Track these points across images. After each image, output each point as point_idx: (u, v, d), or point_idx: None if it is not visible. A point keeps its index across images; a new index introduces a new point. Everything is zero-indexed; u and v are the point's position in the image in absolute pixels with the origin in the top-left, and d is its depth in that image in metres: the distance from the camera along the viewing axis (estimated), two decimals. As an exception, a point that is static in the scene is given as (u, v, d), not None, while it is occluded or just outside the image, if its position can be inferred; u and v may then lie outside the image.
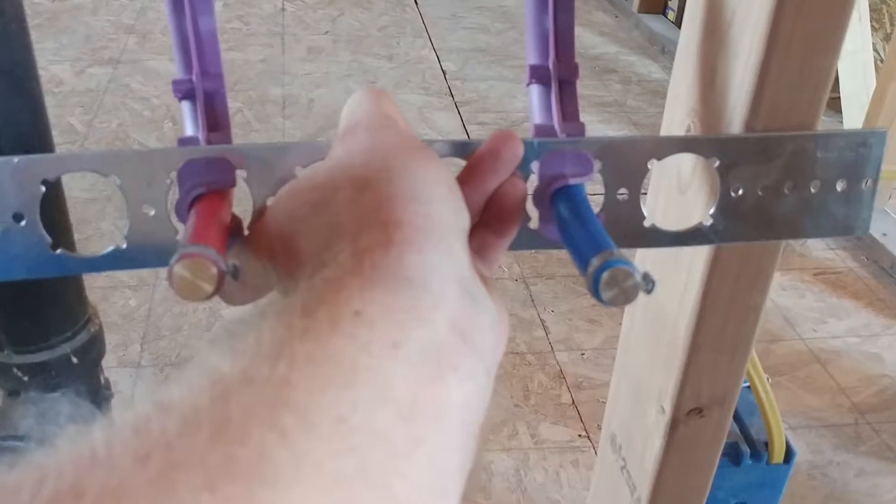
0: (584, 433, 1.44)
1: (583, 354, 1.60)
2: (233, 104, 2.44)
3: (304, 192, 0.36)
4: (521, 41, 3.05)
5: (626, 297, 0.33)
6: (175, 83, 0.45)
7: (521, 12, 3.32)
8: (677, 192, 0.51)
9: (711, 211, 0.45)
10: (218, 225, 0.38)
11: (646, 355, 0.56)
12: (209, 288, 0.31)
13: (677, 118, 0.51)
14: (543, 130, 0.45)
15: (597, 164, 0.43)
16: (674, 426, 0.54)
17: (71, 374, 0.48)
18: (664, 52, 3.00)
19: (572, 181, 0.42)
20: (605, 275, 0.33)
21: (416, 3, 3.38)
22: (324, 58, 2.81)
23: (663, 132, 0.53)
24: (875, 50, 2.38)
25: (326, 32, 3.03)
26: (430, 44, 2.98)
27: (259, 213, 0.42)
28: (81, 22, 2.98)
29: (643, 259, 0.56)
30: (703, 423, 0.54)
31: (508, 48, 2.99)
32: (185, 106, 0.46)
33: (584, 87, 2.69)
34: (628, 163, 0.43)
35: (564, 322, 1.68)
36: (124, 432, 0.21)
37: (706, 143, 0.44)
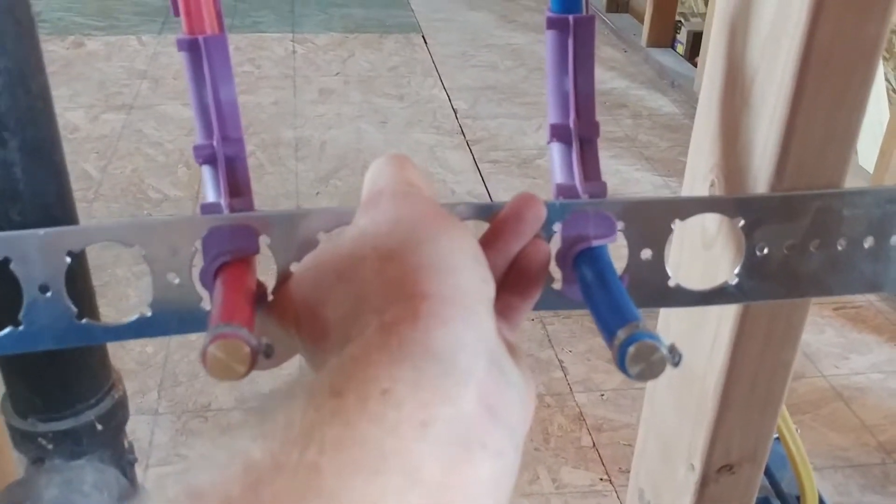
0: (605, 476, 1.42)
1: (602, 395, 1.59)
2: (246, 147, 2.46)
3: (329, 260, 0.36)
4: (530, 78, 3.07)
5: (653, 371, 0.33)
6: (196, 148, 0.46)
7: (530, 49, 3.35)
8: (702, 248, 0.50)
9: (737, 270, 0.45)
10: (245, 296, 0.38)
11: (673, 411, 0.56)
12: (242, 369, 0.31)
13: (700, 172, 0.50)
14: (565, 190, 0.45)
15: (620, 225, 0.43)
16: (704, 483, 0.53)
17: (95, 440, 0.47)
18: (674, 85, 3.01)
19: (595, 243, 0.42)
20: (631, 349, 0.33)
21: (425, 42, 3.42)
22: (335, 99, 2.83)
23: (686, 185, 0.53)
24: (887, 80, 2.38)
25: (337, 74, 3.05)
26: (440, 83, 3.00)
27: (283, 279, 0.41)
28: (95, 69, 3.02)
29: (669, 313, 0.56)
30: (734, 479, 0.53)
31: (518, 85, 3.01)
32: (206, 171, 0.46)
33: (595, 123, 2.69)
34: (652, 223, 0.43)
35: (583, 362, 1.67)
36: None
37: (730, 203, 0.43)
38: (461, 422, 0.27)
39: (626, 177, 2.34)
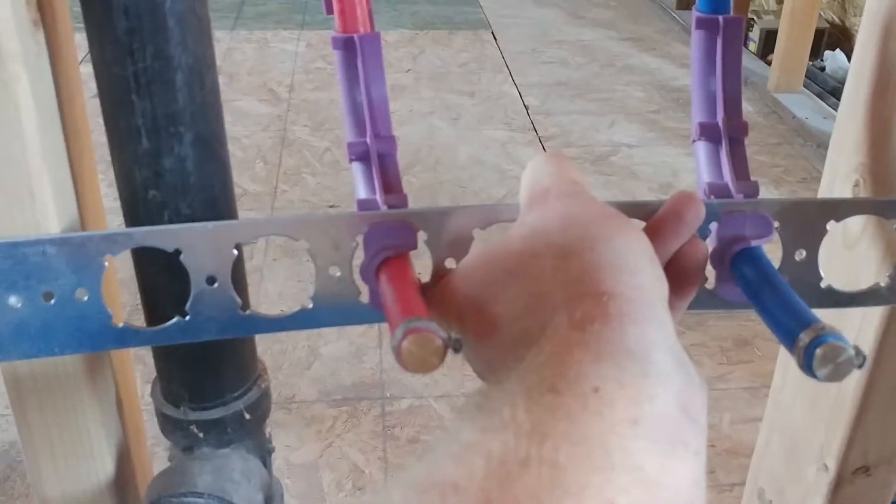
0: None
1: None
2: (321, 143, 2.49)
3: (497, 258, 0.37)
4: (602, 75, 3.05)
5: (840, 373, 0.33)
6: (349, 146, 0.47)
7: (600, 45, 3.33)
8: (843, 247, 0.50)
9: (889, 272, 0.44)
10: (416, 289, 0.39)
11: (804, 411, 0.55)
12: (437, 361, 0.32)
13: (842, 171, 0.50)
14: (716, 189, 0.45)
15: (775, 225, 0.43)
16: (838, 485, 0.53)
17: (242, 430, 0.49)
18: (747, 83, 2.96)
19: (753, 243, 0.42)
20: (818, 351, 0.33)
21: (494, 38, 3.41)
22: (407, 95, 2.85)
23: (825, 183, 0.52)
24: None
25: (408, 70, 3.07)
26: (510, 79, 3.00)
27: (438, 275, 0.42)
28: (173, 64, 3.08)
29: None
30: (870, 482, 0.53)
31: (590, 82, 2.99)
32: (357, 167, 0.47)
33: (670, 120, 2.67)
34: (807, 224, 0.43)
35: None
36: None
37: (891, 206, 0.43)
38: (665, 420, 0.28)
39: (702, 175, 2.31)
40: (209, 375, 0.47)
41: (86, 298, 0.41)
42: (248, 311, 0.43)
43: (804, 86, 2.86)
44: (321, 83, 2.91)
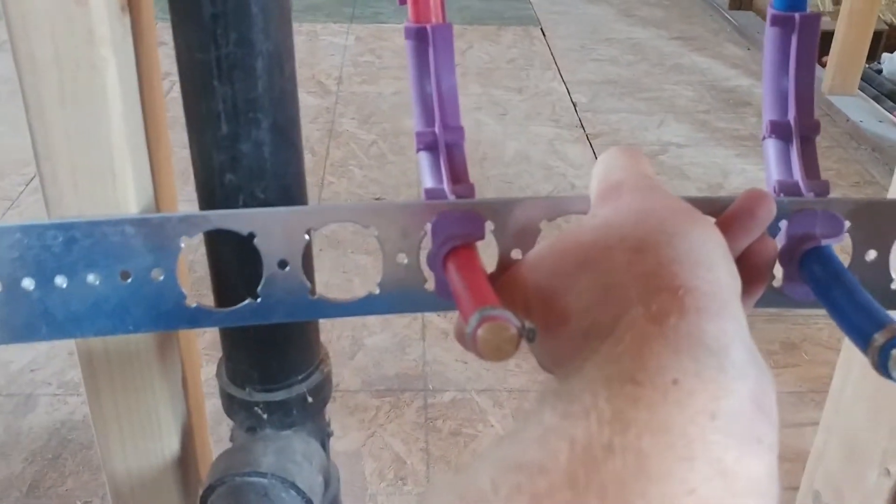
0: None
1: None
2: (368, 136, 2.51)
3: (568, 249, 0.37)
4: (652, 73, 3.03)
5: (915, 375, 0.33)
6: (418, 135, 0.47)
7: (651, 44, 3.30)
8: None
9: (963, 273, 0.44)
10: (485, 278, 0.39)
11: (865, 413, 0.55)
12: (512, 349, 0.32)
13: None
14: (786, 187, 0.45)
15: (846, 224, 0.42)
16: (899, 490, 0.52)
17: (304, 412, 0.50)
18: (801, 85, 2.92)
19: (824, 242, 0.42)
20: (894, 352, 0.33)
21: (543, 35, 3.40)
22: (455, 90, 2.85)
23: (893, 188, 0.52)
24: None
25: (456, 65, 3.07)
26: (559, 76, 2.99)
27: (504, 266, 0.43)
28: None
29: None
30: (932, 488, 0.52)
31: (640, 80, 2.97)
32: (424, 157, 0.48)
33: (720, 120, 2.64)
34: (879, 224, 0.42)
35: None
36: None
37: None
38: (741, 415, 0.28)
39: (752, 176, 2.28)
40: (275, 358, 0.48)
41: (161, 278, 0.42)
42: (316, 296, 0.44)
43: (860, 88, 2.81)
44: (369, 77, 2.93)
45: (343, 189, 2.24)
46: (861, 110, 2.68)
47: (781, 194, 0.45)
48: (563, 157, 2.42)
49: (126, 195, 0.42)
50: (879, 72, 3.01)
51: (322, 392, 0.50)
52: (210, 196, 0.43)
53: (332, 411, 1.54)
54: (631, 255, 0.34)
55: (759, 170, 2.33)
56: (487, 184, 2.26)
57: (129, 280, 0.42)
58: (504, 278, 0.40)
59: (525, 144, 2.48)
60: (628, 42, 3.33)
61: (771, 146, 0.47)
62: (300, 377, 0.49)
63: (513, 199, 0.43)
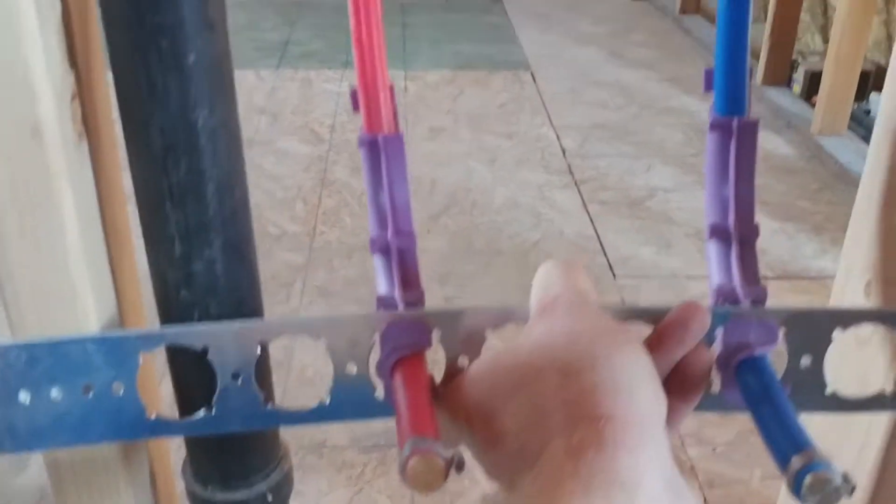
0: (718, 533, 1.40)
1: (714, 449, 1.56)
2: (360, 185, 2.53)
3: (506, 367, 0.38)
4: (641, 116, 3.06)
5: (829, 501, 0.34)
6: (372, 240, 0.49)
7: (639, 87, 3.34)
8: (855, 345, 0.51)
9: (895, 377, 0.45)
10: (426, 395, 0.40)
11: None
12: (440, 481, 0.34)
13: (857, 269, 0.51)
14: (725, 292, 0.46)
15: (781, 331, 0.44)
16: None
17: (265, 510, 0.51)
18: (790, 126, 2.95)
19: (758, 351, 0.43)
20: (808, 479, 0.34)
21: (533, 79, 3.45)
22: (445, 137, 2.88)
23: (839, 280, 0.53)
24: None
25: (448, 111, 3.11)
26: (548, 121, 3.02)
27: (451, 372, 0.44)
28: (219, 103, 3.16)
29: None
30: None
31: (628, 124, 3.00)
32: (378, 260, 0.49)
33: (707, 165, 2.66)
34: (813, 332, 0.44)
35: (694, 414, 1.64)
36: None
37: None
38: None
39: (740, 221, 2.30)
40: (235, 458, 0.49)
41: (122, 392, 0.43)
42: (269, 406, 0.45)
43: (849, 128, 2.84)
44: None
45: (335, 238, 2.26)
46: (850, 151, 2.71)
47: (721, 299, 0.46)
48: (551, 203, 2.44)
49: (87, 314, 0.43)
50: (868, 112, 3.04)
51: (282, 490, 0.51)
52: (167, 311, 0.45)
53: (320, 468, 1.55)
54: (559, 379, 0.35)
55: (747, 214, 2.35)
56: (477, 231, 2.28)
57: (91, 394, 0.43)
58: (449, 389, 0.42)
59: (514, 191, 2.51)
60: (617, 84, 3.37)
61: (712, 249, 0.49)
62: (260, 476, 0.50)
63: (459, 309, 0.44)
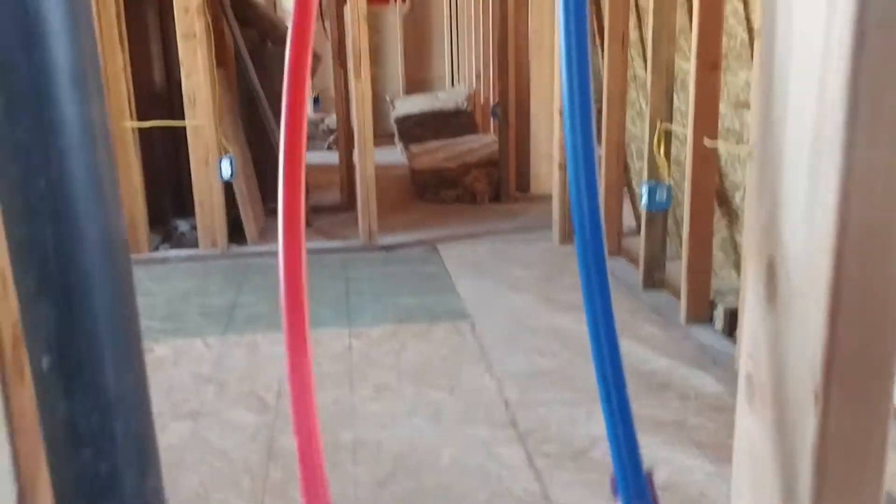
0: None
1: None
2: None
3: None
4: (575, 362, 3.19)
5: None
6: None
7: (570, 329, 3.50)
8: None
9: None
10: None
11: None
12: None
13: None
14: None
15: None
16: None
17: None
18: (715, 362, 3.10)
19: None
20: None
21: (472, 328, 3.59)
22: (389, 395, 2.96)
23: None
24: None
25: (391, 367, 3.21)
26: (489, 371, 3.13)
27: None
28: (165, 375, 3.21)
29: None
30: None
31: (564, 369, 3.12)
32: None
33: (643, 407, 2.77)
34: None
35: None
36: None
37: None
38: None
39: (679, 465, 2.37)
40: None
41: None
42: None
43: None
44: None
45: (282, 514, 2.25)
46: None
47: None
48: (497, 458, 2.49)
49: None
50: (786, 342, 3.22)
51: None
52: None
53: None
54: None
55: (687, 458, 2.42)
56: (424, 497, 2.30)
57: None
58: None
59: (460, 448, 2.56)
60: (551, 330, 3.53)
61: None
62: None
63: None
